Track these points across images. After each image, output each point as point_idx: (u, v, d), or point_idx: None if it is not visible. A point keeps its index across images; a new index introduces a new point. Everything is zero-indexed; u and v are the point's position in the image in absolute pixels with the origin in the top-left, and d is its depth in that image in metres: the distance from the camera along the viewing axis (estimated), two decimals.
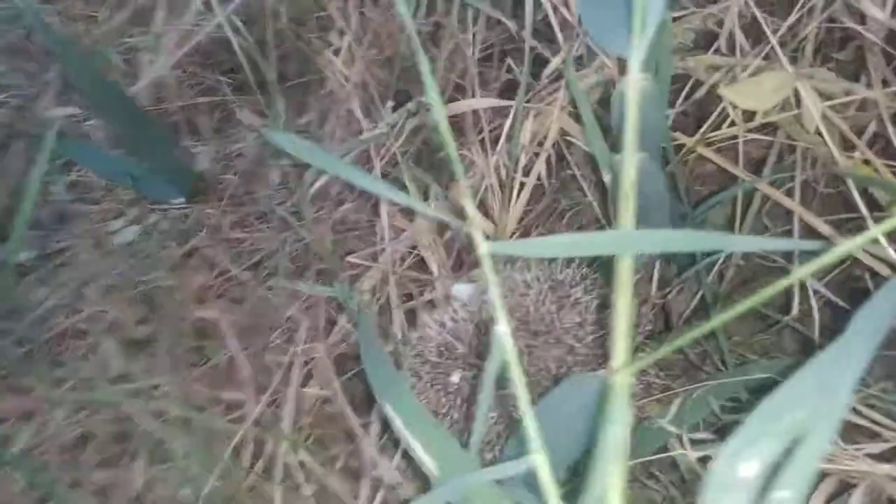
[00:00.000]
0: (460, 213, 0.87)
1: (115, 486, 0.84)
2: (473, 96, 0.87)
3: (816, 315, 0.64)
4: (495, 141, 0.86)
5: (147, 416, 0.87)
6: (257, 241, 1.07)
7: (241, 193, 1.14)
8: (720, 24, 0.80)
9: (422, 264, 0.87)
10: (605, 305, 0.77)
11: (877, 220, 0.63)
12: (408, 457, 0.82)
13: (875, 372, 0.67)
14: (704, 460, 0.63)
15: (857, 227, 0.67)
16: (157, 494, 0.83)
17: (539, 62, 0.93)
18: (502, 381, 0.73)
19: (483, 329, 0.74)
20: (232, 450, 0.85)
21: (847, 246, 0.36)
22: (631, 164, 0.46)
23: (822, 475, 0.60)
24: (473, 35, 0.92)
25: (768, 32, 0.67)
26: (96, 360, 0.95)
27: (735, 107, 0.68)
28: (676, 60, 0.75)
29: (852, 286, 0.69)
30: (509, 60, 0.89)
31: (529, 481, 0.61)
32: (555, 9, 0.80)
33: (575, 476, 0.57)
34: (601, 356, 0.72)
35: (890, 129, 0.65)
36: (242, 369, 0.91)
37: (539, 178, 0.82)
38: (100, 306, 1.01)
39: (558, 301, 0.75)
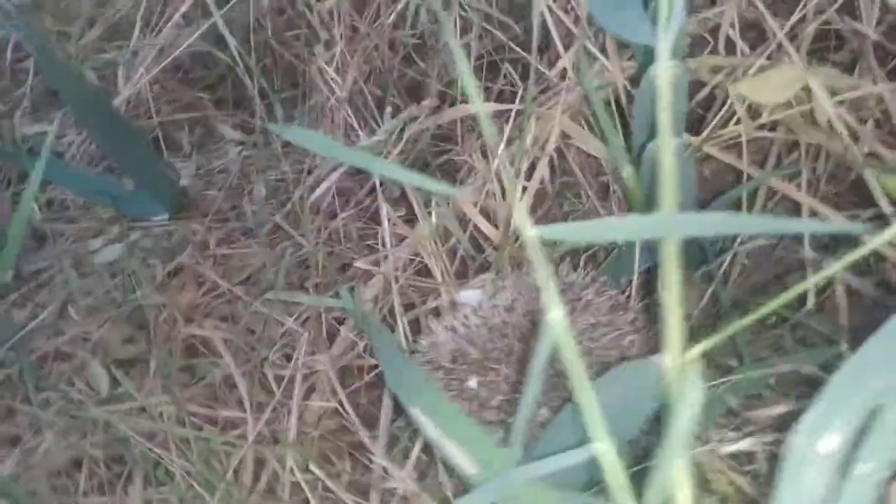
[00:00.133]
0: (463, 220, 0.86)
1: None
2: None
3: (845, 304, 0.65)
4: (495, 147, 0.85)
5: (142, 437, 0.84)
6: (245, 257, 1.05)
7: (227, 209, 1.11)
8: (715, 29, 0.82)
9: (424, 272, 0.86)
10: (615, 307, 0.77)
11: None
12: (421, 468, 0.80)
13: None
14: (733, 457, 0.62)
15: (868, 220, 0.68)
16: None
17: (526, 74, 0.93)
18: (518, 384, 0.72)
19: (498, 333, 0.72)
20: (233, 468, 0.82)
21: (891, 234, 0.35)
22: (669, 147, 0.46)
23: None
24: (468, 43, 0.91)
25: (776, 28, 0.68)
26: (84, 381, 0.91)
27: (745, 100, 0.68)
28: None
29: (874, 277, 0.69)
30: (507, 66, 0.89)
31: (569, 477, 0.59)
32: (551, 11, 0.80)
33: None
34: (618, 357, 0.72)
35: None
36: (239, 386, 0.88)
37: (542, 182, 0.82)
38: (83, 327, 0.97)
39: (570, 303, 0.74)
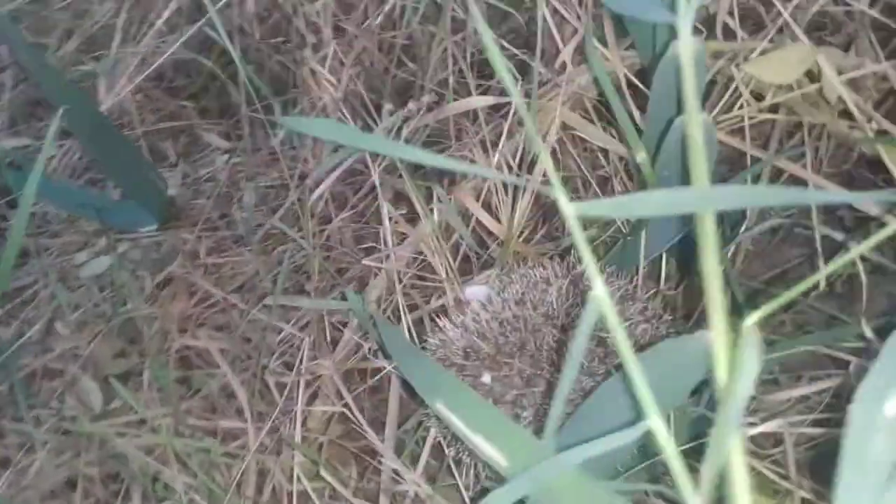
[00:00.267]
0: (465, 215, 0.85)
1: None
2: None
3: (864, 283, 0.64)
4: (496, 140, 0.84)
5: (139, 453, 0.81)
6: (238, 265, 1.02)
7: (216, 218, 1.08)
8: (710, 19, 0.81)
9: (427, 270, 0.84)
10: (624, 297, 0.76)
11: None
12: (430, 473, 0.78)
13: None
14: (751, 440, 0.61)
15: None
16: None
17: (523, 69, 0.92)
18: (532, 378, 0.70)
19: (510, 327, 0.71)
20: (236, 479, 0.79)
21: None
22: (697, 121, 0.45)
23: None
24: (463, 38, 0.90)
25: (781, 8, 0.67)
26: (75, 398, 0.87)
27: (749, 84, 0.68)
28: None
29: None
30: (511, 54, 0.88)
31: (597, 466, 0.57)
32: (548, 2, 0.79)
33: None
34: (633, 344, 0.70)
35: None
36: (238, 395, 0.85)
37: (545, 174, 0.81)
38: (73, 342, 0.94)
39: (581, 295, 0.73)
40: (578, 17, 0.81)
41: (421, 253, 0.83)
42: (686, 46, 0.46)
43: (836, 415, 0.64)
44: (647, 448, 0.59)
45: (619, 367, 0.72)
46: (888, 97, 0.73)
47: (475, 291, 0.78)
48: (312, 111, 0.97)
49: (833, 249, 0.69)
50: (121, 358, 0.93)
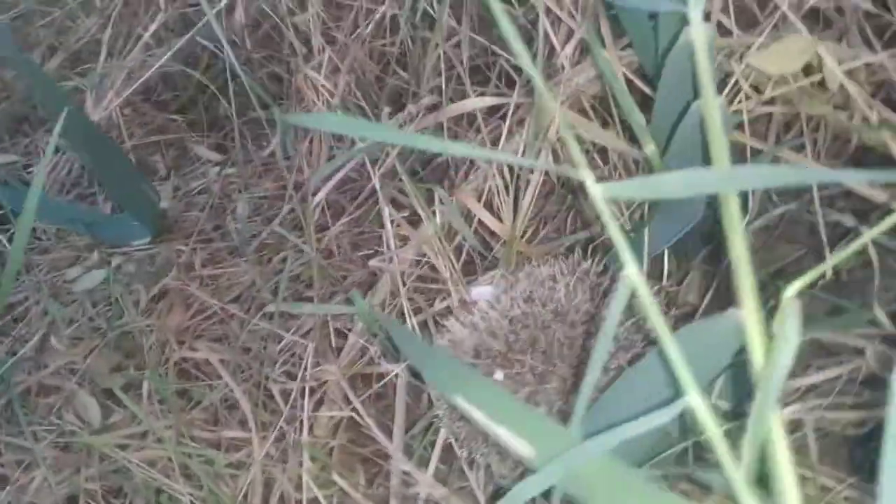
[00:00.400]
0: (467, 217, 0.85)
1: None
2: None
3: (877, 266, 0.64)
4: (494, 142, 0.84)
5: (141, 466, 0.79)
6: (234, 276, 1.01)
7: (210, 229, 1.07)
8: (704, 17, 0.82)
9: (431, 273, 0.84)
10: (633, 294, 0.76)
11: None
12: (440, 477, 0.77)
13: None
14: None
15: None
16: None
17: (516, 72, 0.93)
18: (544, 375, 0.70)
19: (520, 324, 0.70)
20: (242, 490, 0.77)
21: None
22: (714, 104, 0.45)
23: None
24: (458, 43, 0.91)
25: (780, 3, 0.68)
26: (73, 413, 0.86)
27: (749, 77, 0.69)
28: None
29: None
30: (501, 63, 0.88)
31: (625, 451, 0.57)
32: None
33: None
34: (642, 339, 0.70)
35: None
36: (241, 405, 0.84)
37: (546, 174, 0.81)
38: (68, 358, 0.92)
39: (589, 290, 0.73)
40: (573, 16, 0.81)
41: (424, 255, 0.83)
42: (699, 32, 0.47)
43: (852, 400, 0.64)
44: (668, 438, 0.59)
45: (633, 360, 0.72)
46: (881, 88, 0.74)
47: (481, 292, 0.78)
48: (313, 108, 0.97)
49: (837, 238, 0.70)
50: (118, 372, 0.91)
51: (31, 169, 1.16)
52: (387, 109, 0.91)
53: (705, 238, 0.86)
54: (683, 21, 0.65)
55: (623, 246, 0.41)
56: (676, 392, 0.43)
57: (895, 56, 0.68)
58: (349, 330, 0.85)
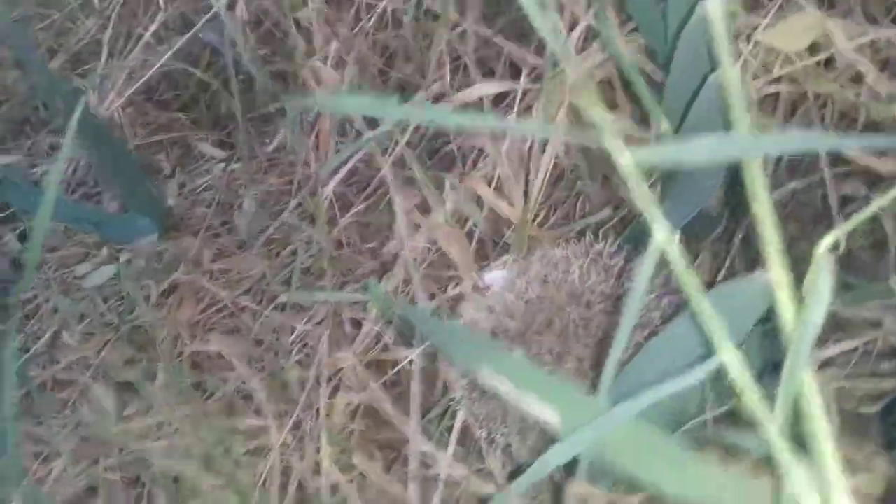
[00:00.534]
0: (478, 203, 0.85)
1: None
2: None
3: (891, 236, 0.65)
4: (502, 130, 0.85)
5: (159, 456, 0.79)
6: (243, 270, 1.02)
7: (217, 225, 1.08)
8: None
9: (443, 260, 0.85)
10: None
11: None
12: (458, 458, 0.78)
13: None
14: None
15: None
16: None
17: (515, 65, 0.94)
18: (562, 355, 0.71)
19: (536, 306, 0.71)
20: (261, 476, 0.78)
21: None
22: (734, 73, 0.46)
23: None
24: (463, 34, 0.92)
25: None
26: (88, 406, 0.86)
27: (758, 56, 0.70)
28: None
29: None
30: (507, 50, 0.89)
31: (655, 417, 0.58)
32: None
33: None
34: (659, 318, 0.71)
35: None
36: (257, 394, 0.84)
37: (557, 157, 0.82)
38: (81, 353, 0.92)
39: (603, 271, 0.74)
40: (577, 2, 0.82)
41: (435, 243, 0.83)
42: (714, 3, 0.48)
43: (869, 371, 0.65)
44: (696, 405, 0.60)
45: (650, 336, 0.73)
46: (887, 65, 0.75)
47: (494, 276, 0.78)
48: (314, 109, 0.98)
49: (847, 216, 0.71)
50: (131, 365, 0.92)
51: (34, 169, 1.16)
52: (395, 98, 0.92)
53: (715, 221, 0.87)
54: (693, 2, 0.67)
55: (650, 207, 0.42)
56: (702, 358, 0.44)
57: None
58: (362, 319, 0.85)
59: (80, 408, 0.86)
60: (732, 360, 0.40)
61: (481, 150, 0.84)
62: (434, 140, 0.95)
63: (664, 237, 0.43)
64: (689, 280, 0.41)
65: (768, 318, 0.60)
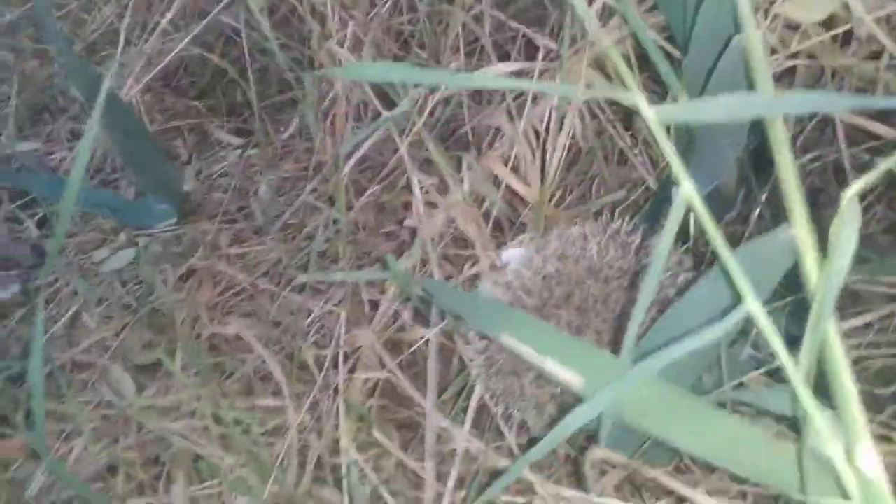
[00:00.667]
0: (495, 182, 0.86)
1: None
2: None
3: None
4: (519, 109, 0.85)
5: (178, 435, 0.80)
6: (259, 254, 1.02)
7: (234, 210, 1.09)
8: None
9: (460, 239, 0.85)
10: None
11: None
12: (477, 432, 0.78)
13: None
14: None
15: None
16: None
17: (532, 46, 0.94)
18: (580, 329, 0.71)
19: (553, 281, 0.71)
20: (280, 455, 0.78)
21: None
22: (756, 37, 0.46)
23: None
24: (478, 15, 0.92)
25: None
26: (107, 388, 0.86)
27: (776, 29, 0.70)
28: None
29: None
30: (522, 32, 0.89)
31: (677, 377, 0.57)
32: None
33: None
34: (676, 294, 0.71)
35: None
36: (275, 374, 0.85)
37: (574, 137, 0.82)
38: (100, 335, 0.93)
39: (621, 248, 0.74)
40: None
41: (452, 222, 0.83)
42: None
43: (887, 341, 0.65)
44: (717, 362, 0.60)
45: (662, 303, 0.73)
46: None
47: (511, 254, 0.79)
48: (331, 90, 0.98)
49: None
50: (150, 348, 0.92)
51: (54, 155, 1.17)
52: None
53: (730, 202, 0.87)
54: None
55: (676, 161, 0.42)
56: (723, 316, 0.44)
57: None
58: (379, 300, 0.86)
59: (99, 389, 0.87)
60: (758, 310, 0.40)
61: (496, 132, 0.84)
62: (448, 123, 0.95)
63: (689, 189, 0.43)
64: (714, 233, 0.41)
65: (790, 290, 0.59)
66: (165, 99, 1.22)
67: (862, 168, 0.73)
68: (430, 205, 0.84)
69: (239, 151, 1.16)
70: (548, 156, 0.83)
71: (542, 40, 0.88)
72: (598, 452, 0.54)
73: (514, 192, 0.84)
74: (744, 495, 0.60)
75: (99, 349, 0.92)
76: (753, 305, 0.39)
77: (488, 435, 0.78)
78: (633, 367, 0.48)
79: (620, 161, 0.88)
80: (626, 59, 0.85)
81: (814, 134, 0.80)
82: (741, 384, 0.63)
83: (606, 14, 0.82)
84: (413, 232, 0.87)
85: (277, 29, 1.18)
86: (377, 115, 0.97)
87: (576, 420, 0.47)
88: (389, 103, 0.92)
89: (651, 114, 0.42)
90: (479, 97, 0.91)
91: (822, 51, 0.73)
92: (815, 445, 0.38)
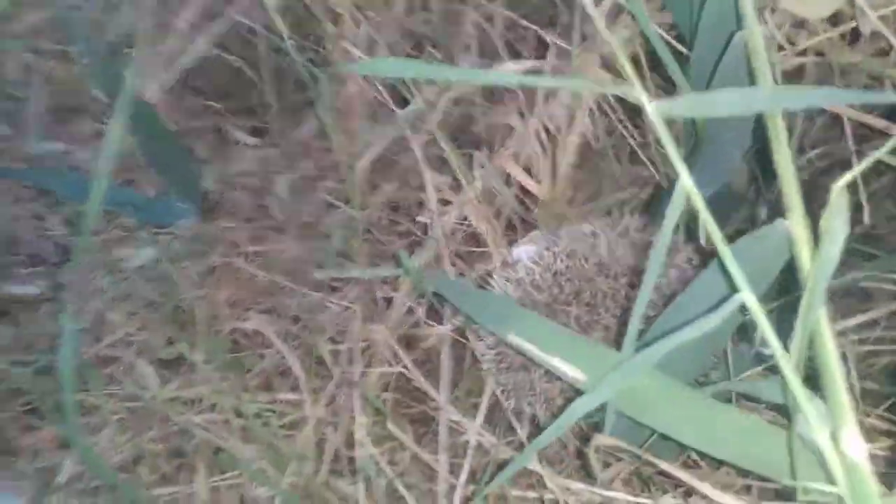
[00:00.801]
0: (507, 180, 0.87)
1: (179, 502, 0.79)
2: None
3: None
4: (531, 107, 0.86)
5: (201, 428, 0.82)
6: (279, 252, 1.05)
7: (252, 209, 1.11)
8: None
9: (472, 237, 0.87)
10: (670, 248, 0.78)
11: None
12: (489, 427, 0.80)
13: None
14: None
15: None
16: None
17: (542, 45, 0.95)
18: (589, 325, 0.72)
19: (563, 277, 0.73)
20: (299, 447, 0.81)
21: None
22: (758, 32, 0.47)
23: None
24: (491, 15, 0.93)
25: None
26: (131, 381, 0.89)
27: (783, 28, 0.71)
28: None
29: None
30: (533, 31, 0.91)
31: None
32: None
33: None
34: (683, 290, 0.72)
35: None
36: (294, 368, 0.87)
37: (584, 136, 0.83)
38: (123, 330, 0.96)
39: (630, 246, 0.75)
40: None
41: (465, 220, 0.85)
42: None
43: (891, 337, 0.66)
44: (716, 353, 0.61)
45: (669, 301, 0.74)
46: None
47: (522, 251, 0.80)
48: (346, 89, 1.00)
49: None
50: (172, 343, 0.95)
51: (75, 154, 1.20)
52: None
53: (739, 201, 0.88)
54: None
55: (674, 153, 0.44)
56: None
57: None
58: (393, 297, 0.87)
59: (124, 382, 0.89)
60: (750, 298, 0.41)
61: (508, 131, 0.86)
62: (460, 122, 0.96)
63: (687, 182, 0.44)
64: (710, 223, 0.43)
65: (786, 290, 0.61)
66: (184, 99, 1.24)
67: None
68: (444, 202, 0.85)
69: (257, 151, 1.18)
70: (559, 154, 0.84)
71: (554, 39, 0.89)
72: (601, 439, 0.55)
73: (525, 190, 0.86)
74: (748, 489, 0.61)
75: (123, 344, 0.95)
76: (747, 294, 0.41)
77: (500, 429, 0.80)
78: (633, 357, 0.49)
79: (631, 159, 0.89)
80: (637, 58, 0.86)
81: (822, 131, 0.81)
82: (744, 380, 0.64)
83: (615, 12, 0.84)
84: (426, 229, 0.88)
85: (293, 30, 1.20)
86: (391, 114, 0.99)
87: (578, 410, 0.49)
88: (403, 103, 0.94)
89: (651, 108, 0.43)
90: (491, 96, 0.93)
91: (831, 48, 0.74)
92: (803, 432, 0.39)
